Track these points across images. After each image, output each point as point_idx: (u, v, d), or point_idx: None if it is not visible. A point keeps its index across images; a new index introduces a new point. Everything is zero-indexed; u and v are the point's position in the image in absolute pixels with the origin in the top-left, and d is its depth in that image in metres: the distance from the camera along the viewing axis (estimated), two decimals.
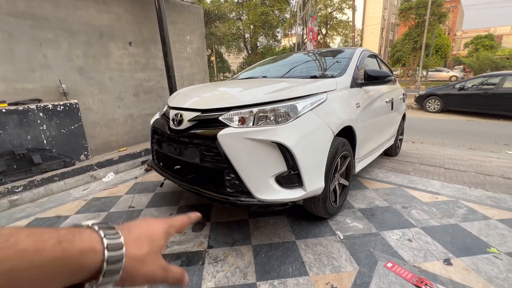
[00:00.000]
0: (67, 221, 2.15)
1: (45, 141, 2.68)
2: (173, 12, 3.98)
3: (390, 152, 3.70)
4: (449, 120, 7.71)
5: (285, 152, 1.50)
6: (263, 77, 2.64)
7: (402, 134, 4.02)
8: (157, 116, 2.26)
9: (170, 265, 0.36)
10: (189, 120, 1.72)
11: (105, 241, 0.28)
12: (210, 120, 1.65)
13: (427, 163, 3.51)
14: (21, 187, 2.49)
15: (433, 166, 3.36)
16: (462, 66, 28.84)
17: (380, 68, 3.18)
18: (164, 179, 2.41)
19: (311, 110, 1.64)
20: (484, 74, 8.93)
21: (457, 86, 8.47)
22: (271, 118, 1.57)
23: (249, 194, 1.53)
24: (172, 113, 1.88)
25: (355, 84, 2.19)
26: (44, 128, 2.66)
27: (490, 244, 1.63)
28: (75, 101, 2.87)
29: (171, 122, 1.84)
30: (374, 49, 37.68)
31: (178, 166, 1.93)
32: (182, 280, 0.37)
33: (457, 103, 8.49)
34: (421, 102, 9.46)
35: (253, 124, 1.57)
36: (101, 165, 3.05)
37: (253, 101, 1.62)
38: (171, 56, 3.47)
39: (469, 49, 30.00)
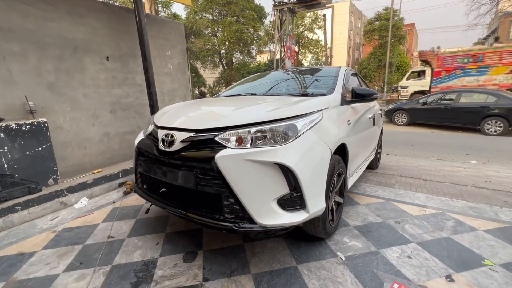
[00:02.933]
0: (33, 259, 1.85)
1: (6, 165, 2.35)
2: (154, 27, 3.87)
3: (372, 165, 3.82)
4: (416, 133, 8.28)
5: (287, 173, 1.44)
6: (252, 94, 2.60)
7: (380, 147, 4.19)
8: (141, 136, 2.09)
9: None
10: (181, 141, 1.60)
11: None
12: (205, 141, 1.55)
13: (406, 175, 3.67)
14: None
15: (412, 178, 3.52)
16: None
17: (360, 85, 3.33)
18: (151, 205, 2.21)
19: (309, 129, 1.61)
20: (444, 90, 9.83)
21: (421, 101, 9.21)
22: (270, 138, 1.51)
23: (250, 219, 1.44)
24: (161, 133, 1.75)
25: (344, 101, 2.24)
26: (5, 150, 2.34)
27: (484, 256, 1.69)
28: (44, 119, 2.59)
29: (160, 143, 1.71)
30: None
31: (164, 189, 1.78)
32: None
33: (421, 116, 9.19)
34: (390, 115, 10.10)
35: (251, 144, 1.50)
36: (72, 189, 2.75)
37: (250, 120, 1.56)
38: (152, 72, 3.33)
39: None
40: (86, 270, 1.71)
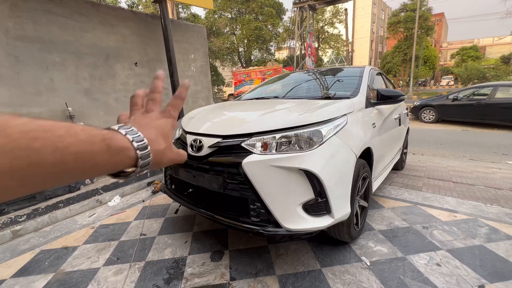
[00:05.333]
0: (76, 252, 2.04)
1: None
2: (178, 31, 4.01)
3: (397, 166, 3.70)
4: (445, 130, 7.84)
5: (313, 179, 1.46)
6: (274, 97, 2.63)
7: (406, 147, 4.04)
8: None
9: (179, 149, 0.48)
10: (209, 147, 1.68)
11: (135, 144, 0.37)
12: (231, 147, 1.61)
13: (434, 176, 3.52)
14: (25, 216, 2.37)
15: (441, 180, 3.37)
16: (450, 76, 29.80)
17: (386, 86, 3.23)
18: (180, 205, 2.33)
19: (334, 134, 1.62)
20: (477, 85, 9.19)
21: (451, 97, 8.68)
22: (295, 144, 1.54)
23: (276, 223, 1.48)
24: (189, 138, 1.83)
25: (369, 104, 2.20)
26: None
27: None
28: (81, 123, 2.80)
29: (189, 148, 1.79)
30: (364, 61, 38.78)
31: (191, 190, 1.88)
32: (185, 158, 0.50)
33: (451, 113, 8.67)
34: (416, 112, 9.64)
35: (276, 150, 1.54)
36: (106, 188, 2.95)
37: (275, 126, 1.60)
38: (177, 76, 3.47)
39: (456, 60, 31.17)
40: (123, 265, 1.85)
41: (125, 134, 0.37)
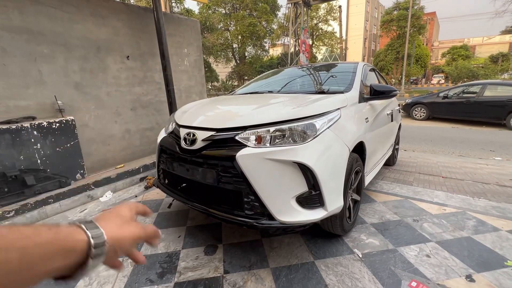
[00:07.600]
0: None
1: (39, 161, 2.52)
2: (171, 25, 3.94)
3: (389, 162, 3.76)
4: (435, 128, 8.00)
5: (306, 172, 1.47)
6: (268, 92, 2.62)
7: (398, 143, 4.11)
8: (163, 133, 2.18)
9: (143, 226, 0.47)
10: (203, 140, 1.66)
11: (89, 233, 0.37)
12: (225, 140, 1.61)
13: (425, 172, 3.59)
14: (13, 211, 2.31)
15: (431, 175, 3.44)
16: (441, 75, 30.34)
17: (379, 81, 3.26)
18: (173, 200, 2.31)
19: (328, 128, 1.63)
20: (466, 83, 9.38)
21: (441, 94, 8.85)
22: (289, 137, 1.54)
23: (270, 216, 1.49)
24: (183, 132, 1.82)
25: (362, 99, 2.22)
26: (38, 147, 2.50)
27: (507, 257, 1.66)
28: (72, 117, 2.74)
29: (182, 142, 1.78)
30: (358, 58, 39.05)
31: (185, 184, 1.86)
32: (156, 236, 0.49)
33: (442, 111, 8.85)
34: (408, 110, 9.80)
35: (270, 143, 1.54)
36: (98, 183, 2.90)
37: (269, 120, 1.60)
38: (171, 70, 3.42)
39: (447, 59, 31.74)
40: None
41: (80, 224, 0.38)
